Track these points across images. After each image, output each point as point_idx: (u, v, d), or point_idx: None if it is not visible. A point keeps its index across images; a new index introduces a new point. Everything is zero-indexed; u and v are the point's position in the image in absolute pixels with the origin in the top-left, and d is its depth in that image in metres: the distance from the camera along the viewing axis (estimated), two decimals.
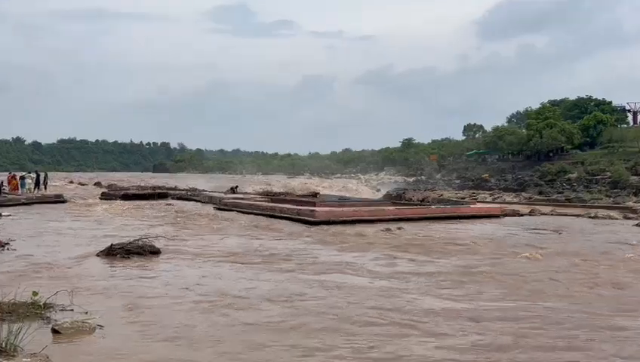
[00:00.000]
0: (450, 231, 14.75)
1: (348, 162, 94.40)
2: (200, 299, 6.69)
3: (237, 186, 31.56)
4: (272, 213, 18.65)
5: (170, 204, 25.11)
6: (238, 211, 20.74)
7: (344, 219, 16.70)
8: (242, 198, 24.85)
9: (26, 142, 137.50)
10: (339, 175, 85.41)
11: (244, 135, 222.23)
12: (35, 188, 28.20)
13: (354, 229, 14.88)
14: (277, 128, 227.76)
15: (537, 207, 23.70)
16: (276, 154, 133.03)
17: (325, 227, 15.24)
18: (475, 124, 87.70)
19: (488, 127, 79.97)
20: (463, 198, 27.16)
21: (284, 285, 7.35)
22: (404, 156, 79.96)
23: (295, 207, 18.90)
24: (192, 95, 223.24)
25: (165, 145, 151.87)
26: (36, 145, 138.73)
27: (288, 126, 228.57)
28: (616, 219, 18.45)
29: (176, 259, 9.51)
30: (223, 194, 28.19)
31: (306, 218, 16.67)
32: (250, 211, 20.14)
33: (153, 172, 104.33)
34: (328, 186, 55.74)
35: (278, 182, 58.04)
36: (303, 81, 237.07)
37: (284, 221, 16.95)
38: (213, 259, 9.42)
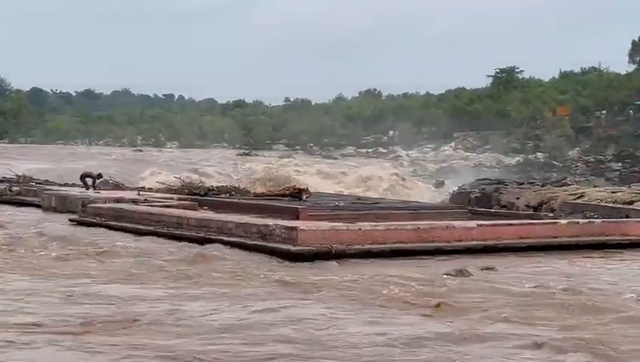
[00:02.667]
0: (619, 276, 14.89)
1: (372, 120, 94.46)
2: None
3: (99, 175, 31.58)
4: (202, 235, 18.67)
5: None
6: (122, 230, 20.76)
7: (362, 247, 16.81)
8: (135, 201, 24.87)
9: None
10: (352, 149, 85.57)
11: (139, 59, 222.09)
12: None
13: (383, 271, 14.90)
14: (211, 46, 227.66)
15: None
16: (212, 102, 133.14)
17: (318, 267, 15.28)
18: None
19: None
20: (628, 203, 27.30)
21: None
22: (499, 108, 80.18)
23: (255, 220, 18.94)
24: None
25: None
26: None
27: (237, 40, 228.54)
28: None
29: None
30: (91, 193, 28.26)
31: (277, 245, 16.71)
32: (150, 229, 20.16)
33: None
34: (328, 175, 55.74)
35: (218, 166, 58.03)
36: None
37: (229, 251, 16.96)
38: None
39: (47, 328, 10.02)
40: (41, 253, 16.92)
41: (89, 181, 30.41)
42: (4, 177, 38.40)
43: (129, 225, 21.22)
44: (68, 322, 10.35)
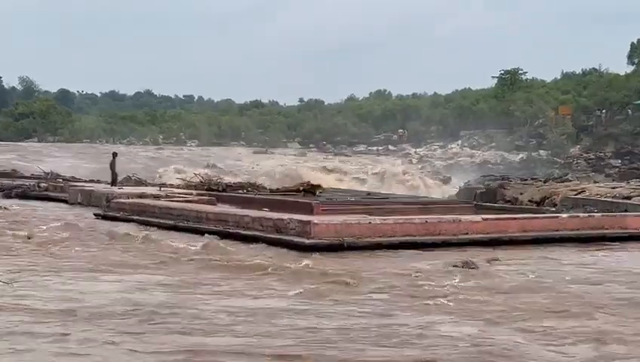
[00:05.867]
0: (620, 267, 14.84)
1: (382, 119, 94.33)
2: None
3: (115, 154, 31.45)
4: (220, 228, 18.72)
5: (2, 208, 25.32)
6: (144, 224, 20.85)
7: (372, 240, 16.82)
8: (157, 196, 24.98)
9: None
10: (363, 147, 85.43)
11: (161, 62, 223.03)
12: None
13: (394, 262, 14.92)
14: (229, 49, 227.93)
15: None
16: (230, 102, 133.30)
17: (332, 259, 15.28)
18: None
19: None
20: (627, 198, 27.22)
21: None
22: (503, 108, 79.98)
23: (271, 215, 18.97)
24: None
25: None
26: None
27: (254, 44, 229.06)
28: None
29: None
30: (115, 188, 28.35)
31: (292, 238, 16.74)
32: (171, 223, 20.23)
33: None
34: (341, 171, 55.75)
35: (236, 163, 58.13)
36: None
37: (245, 244, 17.00)
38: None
39: None
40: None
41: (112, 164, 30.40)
42: (32, 174, 38.59)
43: (151, 219, 21.32)
44: None
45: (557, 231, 18.90)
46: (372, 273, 13.76)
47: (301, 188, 27.51)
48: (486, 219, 18.98)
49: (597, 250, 17.55)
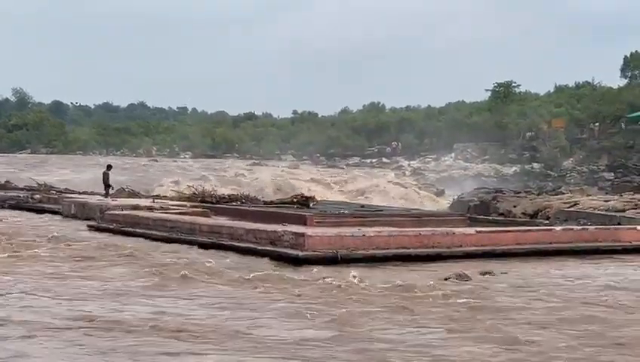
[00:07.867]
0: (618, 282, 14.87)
1: (376, 132, 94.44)
2: None
3: (109, 166, 31.28)
4: (214, 240, 18.68)
5: None
6: (138, 235, 20.81)
7: (366, 252, 16.81)
8: (150, 208, 24.93)
9: None
10: (357, 159, 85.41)
11: (154, 73, 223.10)
12: None
13: (388, 276, 14.91)
14: (223, 61, 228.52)
15: None
16: (224, 114, 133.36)
17: (326, 273, 15.24)
18: None
19: None
20: (620, 211, 27.25)
21: None
22: (497, 121, 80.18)
23: (264, 227, 18.95)
24: None
25: None
26: None
27: (247, 55, 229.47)
28: None
29: None
30: (109, 200, 28.29)
31: (286, 251, 16.72)
32: (165, 235, 20.19)
33: None
34: (334, 184, 55.70)
35: (230, 175, 57.99)
36: None
37: (239, 257, 16.97)
38: None
39: None
40: None
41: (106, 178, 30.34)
42: (25, 185, 38.52)
43: (144, 231, 21.28)
44: None
45: (551, 243, 18.93)
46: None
47: (295, 200, 27.48)
48: (480, 232, 18.98)
49: (594, 262, 17.58)
